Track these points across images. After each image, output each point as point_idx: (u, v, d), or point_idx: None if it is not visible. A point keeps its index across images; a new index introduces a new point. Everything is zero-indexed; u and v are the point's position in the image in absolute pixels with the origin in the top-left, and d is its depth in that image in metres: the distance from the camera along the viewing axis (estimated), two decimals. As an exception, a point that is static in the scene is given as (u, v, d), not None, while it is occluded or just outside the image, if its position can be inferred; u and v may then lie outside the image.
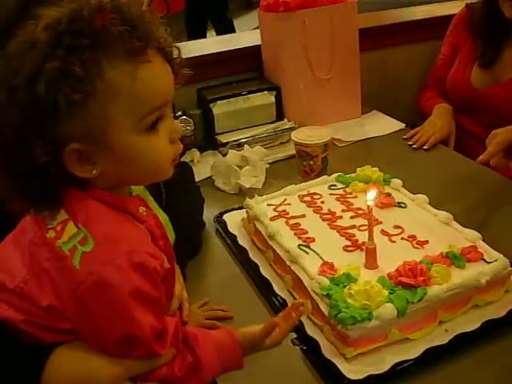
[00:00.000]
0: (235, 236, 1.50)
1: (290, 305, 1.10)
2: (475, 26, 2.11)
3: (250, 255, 1.43)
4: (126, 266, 0.83)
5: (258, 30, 2.23)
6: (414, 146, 2.01)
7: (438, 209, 1.46)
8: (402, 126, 2.18)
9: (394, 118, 2.26)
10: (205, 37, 5.93)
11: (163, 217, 1.02)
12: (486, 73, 2.07)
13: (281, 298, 1.30)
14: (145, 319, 0.86)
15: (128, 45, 0.83)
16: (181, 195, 1.51)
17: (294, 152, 1.85)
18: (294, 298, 1.28)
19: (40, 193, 0.85)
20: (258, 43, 2.22)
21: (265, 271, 1.38)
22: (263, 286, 1.34)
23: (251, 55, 2.23)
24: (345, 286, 1.16)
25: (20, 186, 0.84)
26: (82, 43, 0.80)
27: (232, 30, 6.23)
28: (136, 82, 0.84)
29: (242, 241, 1.48)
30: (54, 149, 0.82)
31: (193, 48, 2.24)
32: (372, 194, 1.27)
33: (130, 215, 0.91)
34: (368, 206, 1.25)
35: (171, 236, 1.04)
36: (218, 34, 6.09)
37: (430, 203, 1.49)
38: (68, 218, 0.86)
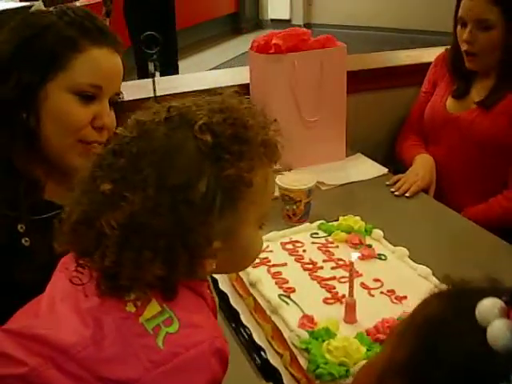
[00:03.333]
0: (217, 280, 1.51)
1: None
2: (450, 66, 2.26)
3: (231, 301, 1.44)
4: (208, 351, 0.84)
5: (247, 67, 2.25)
6: (396, 193, 2.04)
7: (417, 262, 1.48)
8: (385, 170, 2.21)
9: (377, 160, 2.30)
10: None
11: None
12: (459, 101, 2.20)
13: (260, 347, 1.30)
14: None
15: (273, 154, 0.91)
16: None
17: (276, 194, 1.86)
18: (273, 348, 1.29)
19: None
20: (246, 81, 2.24)
21: (245, 319, 1.38)
22: (242, 335, 1.35)
23: (239, 94, 2.24)
24: (324, 341, 1.18)
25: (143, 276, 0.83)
26: (250, 149, 0.86)
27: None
28: (267, 184, 0.91)
29: (223, 285, 1.49)
30: (199, 254, 0.84)
31: (180, 84, 2.26)
32: (355, 255, 1.31)
33: (202, 298, 0.93)
34: (350, 263, 1.27)
35: None
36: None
37: (409, 255, 1.51)
38: (150, 295, 0.85)
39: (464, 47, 2.08)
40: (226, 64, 6.70)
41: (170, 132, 0.86)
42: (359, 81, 2.41)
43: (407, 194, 2.03)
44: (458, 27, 2.10)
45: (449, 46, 2.31)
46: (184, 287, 0.88)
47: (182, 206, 0.81)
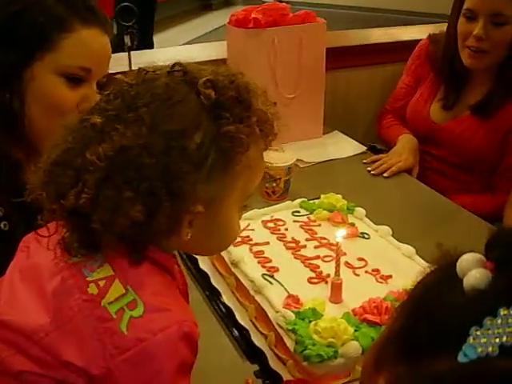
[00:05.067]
0: (196, 259, 1.47)
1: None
2: (436, 65, 2.13)
3: (212, 281, 1.40)
4: (175, 336, 0.80)
5: (225, 42, 2.19)
6: (373, 172, 2.01)
7: (400, 240, 1.46)
8: (363, 149, 2.18)
9: (354, 138, 2.27)
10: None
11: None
12: (445, 110, 2.10)
13: (243, 327, 1.27)
14: None
15: (269, 133, 0.89)
16: None
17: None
18: (257, 329, 1.26)
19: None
20: (223, 57, 2.19)
21: (227, 298, 1.35)
22: (225, 314, 1.32)
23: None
24: (310, 321, 1.15)
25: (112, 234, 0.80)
26: (250, 116, 0.84)
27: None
28: (262, 164, 0.91)
29: (203, 265, 1.45)
30: (180, 208, 0.81)
31: (156, 58, 2.19)
32: (342, 232, 1.27)
33: (169, 274, 0.89)
34: (337, 243, 1.25)
35: None
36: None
37: (392, 234, 1.49)
38: (114, 274, 0.82)
39: (471, 43, 1.91)
40: (196, 41, 6.60)
41: (172, 83, 0.84)
42: (337, 58, 2.37)
43: (385, 174, 1.99)
44: (462, 20, 1.94)
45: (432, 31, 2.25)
46: (151, 263, 0.84)
47: (175, 152, 0.79)
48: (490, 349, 0.50)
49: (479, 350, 0.50)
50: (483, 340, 0.51)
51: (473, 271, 0.56)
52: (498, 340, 0.50)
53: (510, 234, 0.61)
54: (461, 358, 0.51)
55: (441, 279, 0.60)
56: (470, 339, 0.51)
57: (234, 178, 0.85)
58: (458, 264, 0.58)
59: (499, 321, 0.51)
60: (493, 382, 0.50)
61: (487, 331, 0.51)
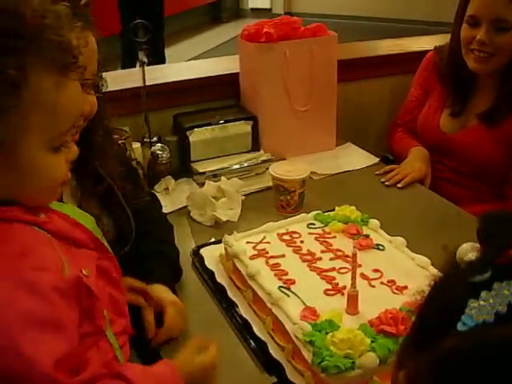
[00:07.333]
0: (213, 272, 1.49)
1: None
2: (443, 75, 2.14)
3: (229, 294, 1.42)
4: (8, 285, 0.77)
5: (237, 56, 2.21)
6: (387, 183, 2.02)
7: (414, 250, 1.47)
8: (376, 160, 2.20)
9: (366, 149, 2.29)
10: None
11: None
12: (454, 119, 2.11)
13: (260, 339, 1.29)
14: (38, 349, 0.77)
15: (64, 57, 0.79)
16: (153, 223, 1.51)
17: (269, 184, 1.86)
18: (274, 341, 1.27)
19: None
20: (236, 71, 2.21)
21: (244, 311, 1.37)
22: (242, 327, 1.33)
23: (229, 83, 2.22)
24: (327, 333, 1.16)
25: None
26: (19, 45, 0.75)
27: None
28: (61, 98, 0.80)
29: (220, 278, 1.47)
30: None
31: (169, 73, 2.23)
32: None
33: (25, 223, 0.84)
34: (353, 255, 1.26)
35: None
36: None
37: (407, 245, 1.50)
38: None
39: (475, 48, 1.93)
40: (207, 54, 6.64)
41: None
42: (347, 70, 2.38)
43: (399, 185, 2.01)
44: (465, 26, 1.96)
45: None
46: None
47: None
48: (486, 315, 0.54)
49: (476, 317, 0.55)
50: (480, 309, 0.55)
51: (469, 255, 0.62)
52: (493, 308, 0.55)
53: (493, 216, 0.66)
54: (460, 327, 0.55)
55: (444, 272, 0.65)
56: (467, 310, 0.56)
57: (19, 117, 0.77)
58: (456, 253, 0.64)
59: (493, 292, 0.56)
60: (492, 349, 0.53)
61: (483, 302, 0.56)
